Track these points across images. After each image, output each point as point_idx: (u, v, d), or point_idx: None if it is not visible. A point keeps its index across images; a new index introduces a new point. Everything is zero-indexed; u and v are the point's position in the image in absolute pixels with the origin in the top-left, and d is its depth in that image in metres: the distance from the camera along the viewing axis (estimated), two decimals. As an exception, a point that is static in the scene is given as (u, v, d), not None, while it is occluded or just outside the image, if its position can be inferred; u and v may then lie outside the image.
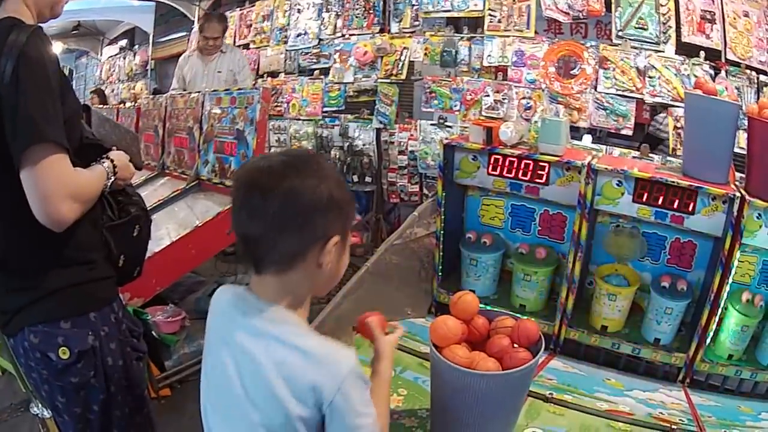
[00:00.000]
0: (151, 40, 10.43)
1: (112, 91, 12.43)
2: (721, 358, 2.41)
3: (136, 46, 11.91)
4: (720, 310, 2.32)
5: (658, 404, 2.21)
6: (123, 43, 12.87)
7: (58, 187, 1.66)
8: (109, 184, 1.97)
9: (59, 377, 1.89)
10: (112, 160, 2.00)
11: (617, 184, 2.41)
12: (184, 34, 9.23)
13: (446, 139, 2.75)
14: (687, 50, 4.07)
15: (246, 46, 7.07)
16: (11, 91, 1.61)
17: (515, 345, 1.78)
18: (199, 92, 4.61)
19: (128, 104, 8.93)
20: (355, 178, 5.60)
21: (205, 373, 1.48)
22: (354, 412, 1.31)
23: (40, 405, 2.89)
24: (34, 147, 1.62)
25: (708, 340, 2.36)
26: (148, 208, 4.00)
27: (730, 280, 2.28)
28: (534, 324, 1.80)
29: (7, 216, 1.77)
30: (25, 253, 1.82)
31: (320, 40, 6.13)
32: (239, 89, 4.04)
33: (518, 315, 2.54)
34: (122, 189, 2.10)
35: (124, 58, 12.25)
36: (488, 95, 4.66)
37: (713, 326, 2.34)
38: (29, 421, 3.55)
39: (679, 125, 4.09)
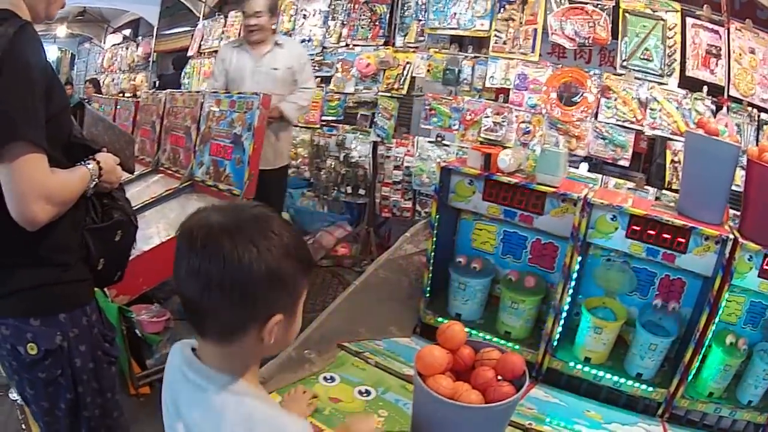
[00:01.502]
0: (155, 33, 10.41)
1: (113, 80, 12.47)
2: (702, 395, 2.41)
3: (140, 38, 11.91)
4: (704, 348, 2.32)
5: (635, 438, 2.20)
6: (127, 32, 12.90)
7: (31, 187, 1.67)
8: (92, 186, 1.95)
9: (28, 371, 1.93)
10: (98, 162, 1.98)
11: (611, 219, 2.41)
12: (188, 29, 9.24)
13: (444, 161, 2.75)
14: (690, 84, 4.08)
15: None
16: None
17: (499, 377, 1.77)
18: (198, 92, 4.59)
19: (127, 95, 8.94)
20: (349, 190, 5.60)
21: None
22: None
23: (18, 391, 2.90)
24: (10, 145, 1.62)
25: (690, 377, 2.36)
26: (140, 205, 4.03)
27: (717, 320, 2.27)
28: (519, 358, 1.78)
29: None
30: (2, 248, 1.82)
31: (324, 47, 6.12)
32: (240, 93, 4.01)
33: (504, 343, 2.56)
34: (108, 192, 2.09)
35: (127, 48, 12.28)
36: (488, 116, 4.66)
37: (696, 364, 2.33)
38: (8, 405, 3.57)
39: (676, 159, 4.09)
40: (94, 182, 1.96)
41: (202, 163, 4.25)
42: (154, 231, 3.94)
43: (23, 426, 3.39)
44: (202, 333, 1.29)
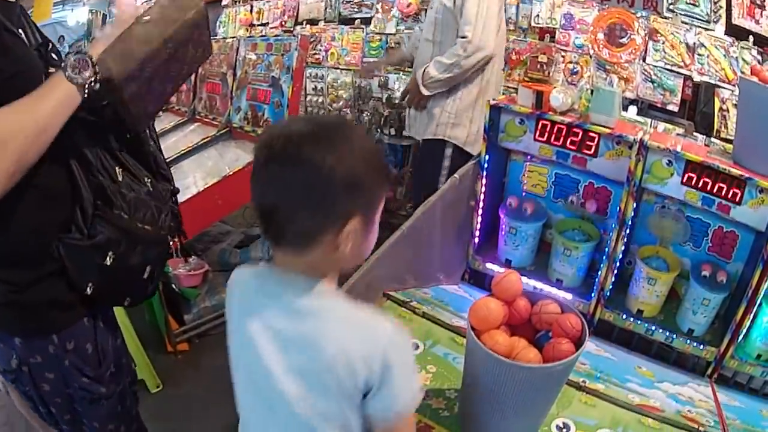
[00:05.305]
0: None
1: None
2: (750, 356, 2.30)
3: (173, -10, 11.82)
4: (756, 307, 2.21)
5: (686, 401, 2.13)
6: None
7: None
8: (86, 83, 1.51)
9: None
10: (81, 55, 1.52)
11: (667, 164, 2.29)
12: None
13: (493, 99, 2.63)
14: (736, 32, 3.92)
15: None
16: None
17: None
18: (234, 38, 4.50)
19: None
20: (392, 132, 5.39)
21: (237, 372, 1.41)
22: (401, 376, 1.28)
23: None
24: None
25: (740, 337, 2.26)
26: (177, 155, 3.96)
27: (769, 277, 2.16)
28: (577, 319, 1.71)
29: None
30: None
31: (364, -13, 5.95)
32: (276, 36, 3.94)
33: (556, 291, 2.48)
34: (109, 198, 1.68)
35: (160, 3, 12.20)
36: (534, 56, 4.53)
37: (747, 323, 2.23)
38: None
39: (724, 107, 3.95)
40: (77, 79, 1.49)
41: (239, 108, 4.19)
42: (191, 181, 3.89)
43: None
44: (277, 240, 1.30)
